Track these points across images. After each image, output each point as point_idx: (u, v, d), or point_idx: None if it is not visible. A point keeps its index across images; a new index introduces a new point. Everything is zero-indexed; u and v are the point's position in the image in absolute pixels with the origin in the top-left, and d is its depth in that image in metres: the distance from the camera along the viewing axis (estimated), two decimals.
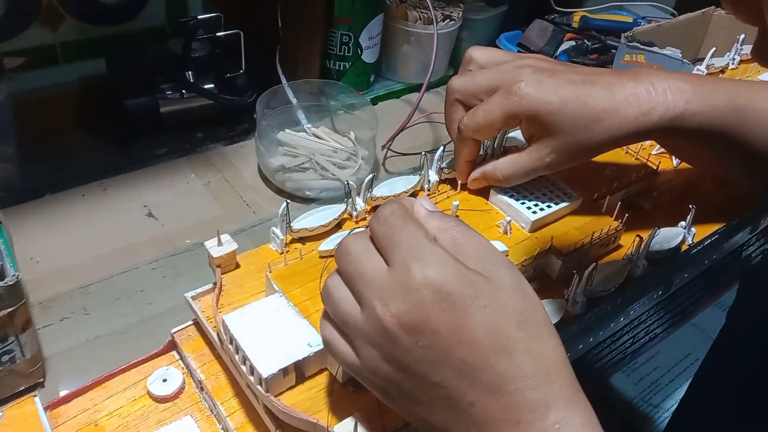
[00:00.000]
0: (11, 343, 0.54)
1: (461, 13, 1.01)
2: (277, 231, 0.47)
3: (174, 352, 0.47)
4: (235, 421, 0.41)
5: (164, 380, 0.44)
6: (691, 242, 0.53)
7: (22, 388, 0.57)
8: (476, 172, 0.54)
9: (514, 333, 0.32)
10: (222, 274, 0.45)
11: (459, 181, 0.55)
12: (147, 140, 0.86)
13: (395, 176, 0.54)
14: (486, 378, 0.31)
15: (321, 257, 0.46)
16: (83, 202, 0.77)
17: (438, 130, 0.96)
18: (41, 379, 0.58)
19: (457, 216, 0.49)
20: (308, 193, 0.81)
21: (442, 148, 0.54)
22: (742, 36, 0.80)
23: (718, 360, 0.52)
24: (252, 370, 0.38)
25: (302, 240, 0.48)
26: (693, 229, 0.52)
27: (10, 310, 0.52)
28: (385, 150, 0.88)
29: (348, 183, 0.49)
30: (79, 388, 0.44)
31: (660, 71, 0.49)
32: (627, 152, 0.58)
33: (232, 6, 0.90)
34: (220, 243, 0.44)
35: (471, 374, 0.31)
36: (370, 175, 0.50)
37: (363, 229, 0.39)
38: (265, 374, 0.37)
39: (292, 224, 0.47)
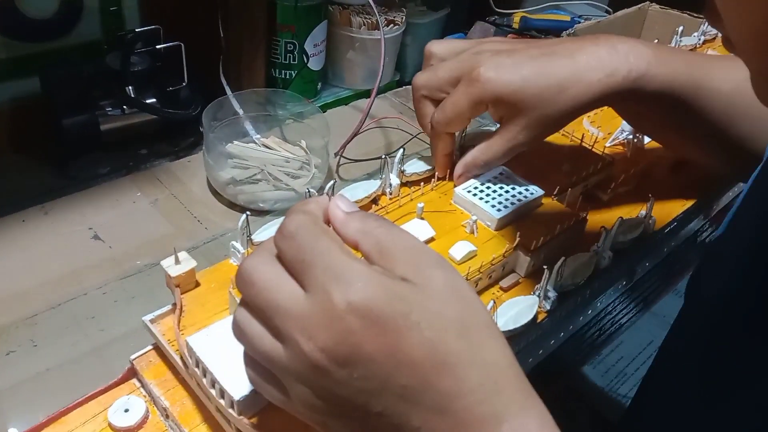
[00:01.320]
0: None
1: (404, 17, 1.01)
2: (237, 245, 0.45)
3: (134, 380, 0.44)
4: None
5: (126, 410, 0.41)
6: (651, 231, 0.53)
7: None
8: (459, 168, 0.54)
9: (454, 345, 0.29)
10: (182, 293, 0.43)
11: (437, 175, 0.55)
12: (87, 159, 0.83)
13: (353, 182, 0.53)
14: (430, 399, 0.29)
15: None
16: (23, 227, 0.73)
17: (389, 135, 0.95)
18: None
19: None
20: (262, 205, 0.79)
21: (402, 150, 0.54)
22: (681, 28, 0.82)
23: (680, 335, 0.53)
24: (222, 393, 0.36)
25: None
26: (653, 217, 0.52)
27: None
28: (338, 157, 0.87)
29: (309, 190, 0.48)
30: (35, 425, 0.41)
31: (618, 36, 0.50)
32: (582, 144, 0.58)
33: (171, 18, 0.87)
34: (177, 261, 0.42)
35: (413, 398, 0.29)
36: (331, 182, 0.49)
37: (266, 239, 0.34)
38: (236, 396, 0.35)
39: (252, 237, 0.45)
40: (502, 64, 0.48)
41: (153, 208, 0.78)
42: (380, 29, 0.86)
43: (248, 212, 0.44)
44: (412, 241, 0.32)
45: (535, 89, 0.47)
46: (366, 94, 1.04)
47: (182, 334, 0.40)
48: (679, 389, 0.49)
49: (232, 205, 0.80)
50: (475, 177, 0.53)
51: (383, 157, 0.52)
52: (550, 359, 0.50)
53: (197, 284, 0.44)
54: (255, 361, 0.32)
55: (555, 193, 0.52)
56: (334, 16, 0.96)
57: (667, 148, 0.60)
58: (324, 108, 0.98)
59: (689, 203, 0.57)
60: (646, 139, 0.62)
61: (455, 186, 0.53)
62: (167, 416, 0.42)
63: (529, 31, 1.12)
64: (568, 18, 1.15)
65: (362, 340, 0.28)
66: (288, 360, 0.29)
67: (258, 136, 0.85)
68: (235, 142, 0.83)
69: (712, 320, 0.45)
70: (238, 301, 0.41)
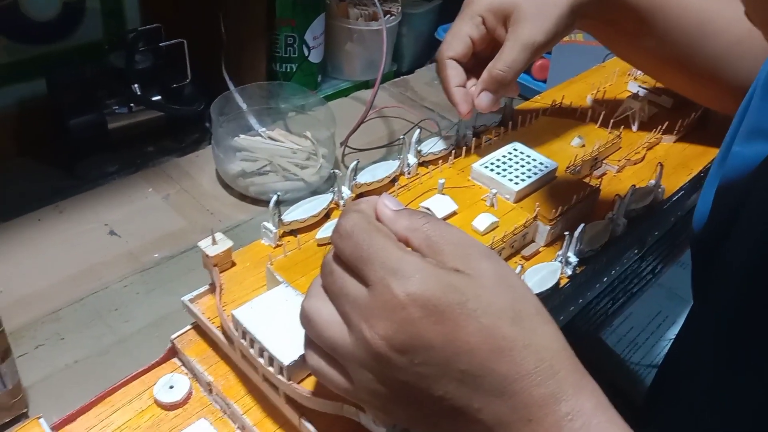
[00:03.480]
0: None
1: (400, 8, 1.02)
2: (269, 225, 0.47)
3: (175, 359, 0.46)
4: (253, 418, 0.41)
5: (170, 387, 0.43)
6: (661, 199, 0.55)
7: (6, 420, 0.54)
8: (479, 85, 0.53)
9: (509, 331, 0.30)
10: (219, 272, 0.44)
11: (460, 113, 0.54)
12: (96, 158, 0.83)
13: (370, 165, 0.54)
14: (489, 383, 0.30)
15: (319, 245, 0.46)
16: (40, 226, 0.74)
17: (391, 124, 0.97)
18: (25, 410, 0.55)
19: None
20: (272, 195, 0.80)
21: (418, 131, 0.55)
22: None
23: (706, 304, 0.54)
24: (271, 360, 0.38)
25: (294, 232, 0.48)
26: (662, 186, 0.55)
27: None
28: (343, 147, 0.89)
29: (334, 171, 0.50)
30: (83, 405, 0.42)
31: None
32: (590, 122, 0.61)
33: (171, 16, 0.88)
34: (214, 242, 0.43)
35: (473, 382, 0.30)
36: (355, 162, 0.51)
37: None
38: (285, 362, 0.37)
39: (283, 217, 0.47)
40: None
41: (165, 203, 0.79)
42: (381, 19, 0.88)
43: (278, 193, 0.46)
44: (459, 234, 0.33)
45: None
46: (365, 85, 1.05)
47: (224, 309, 0.41)
48: (705, 356, 0.51)
49: (243, 197, 0.81)
50: (493, 151, 0.53)
51: (401, 138, 0.54)
52: (568, 327, 0.52)
53: (233, 264, 0.45)
54: (320, 350, 0.33)
55: (568, 165, 0.54)
56: (332, 8, 0.97)
57: (642, 70, 0.61)
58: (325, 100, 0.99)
59: (695, 172, 0.60)
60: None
61: (482, 109, 0.53)
62: (210, 391, 0.43)
63: None
64: None
65: (421, 328, 0.29)
66: (353, 346, 0.31)
67: (263, 129, 0.86)
68: (242, 136, 0.84)
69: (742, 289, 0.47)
70: (278, 275, 0.42)
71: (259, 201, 0.80)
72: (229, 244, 0.44)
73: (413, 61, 1.13)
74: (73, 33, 0.84)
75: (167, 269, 0.71)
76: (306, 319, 0.33)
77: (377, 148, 0.91)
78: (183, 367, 0.45)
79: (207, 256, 0.43)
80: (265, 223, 0.47)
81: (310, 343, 0.34)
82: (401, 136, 0.54)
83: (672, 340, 0.59)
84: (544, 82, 0.99)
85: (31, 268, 0.69)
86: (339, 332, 0.31)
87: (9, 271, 0.68)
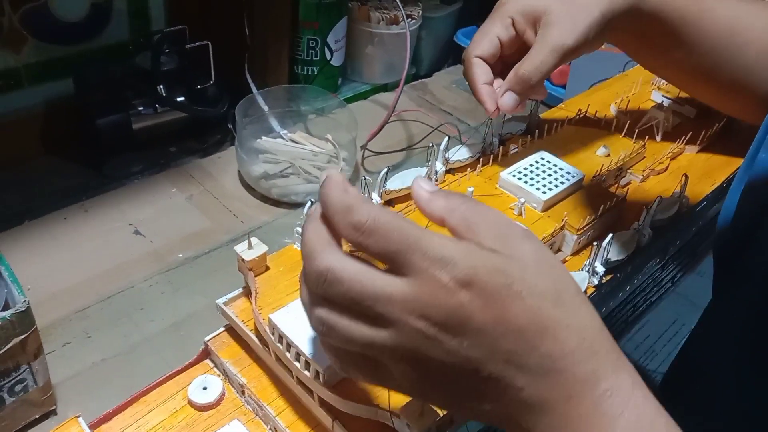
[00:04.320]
0: (24, 371, 0.52)
1: (420, 11, 1.03)
2: (301, 230, 0.47)
3: (208, 360, 0.46)
4: (285, 420, 0.41)
5: (204, 388, 0.44)
6: (685, 209, 0.56)
7: (36, 417, 0.55)
8: (505, 84, 0.53)
9: (553, 312, 0.31)
10: (254, 276, 0.45)
11: (487, 110, 0.53)
12: (120, 158, 0.84)
13: (377, 174, 0.53)
14: (533, 362, 0.31)
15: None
16: (66, 225, 0.75)
17: (410, 127, 0.97)
18: (53, 407, 0.56)
19: (461, 192, 0.49)
20: (294, 197, 0.81)
21: (446, 138, 0.56)
22: None
23: (722, 307, 0.55)
24: (307, 364, 0.38)
25: None
26: (686, 196, 0.55)
27: (22, 337, 0.51)
28: (363, 150, 0.89)
29: (365, 178, 0.50)
30: (119, 404, 0.43)
31: None
32: (615, 131, 0.61)
33: (196, 18, 0.89)
34: (250, 246, 0.44)
35: (518, 361, 0.30)
36: (386, 168, 0.51)
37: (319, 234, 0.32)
38: (322, 367, 0.38)
39: None
40: None
41: (189, 204, 0.80)
42: (405, 22, 0.88)
43: (312, 200, 0.46)
44: (497, 215, 0.33)
45: None
46: (384, 88, 1.06)
47: (260, 313, 0.42)
48: (720, 357, 0.52)
49: (265, 199, 0.82)
50: (520, 160, 0.53)
51: (431, 145, 0.55)
52: None
53: (267, 268, 0.46)
54: (344, 351, 0.33)
55: (594, 175, 0.54)
56: (354, 11, 0.98)
57: (669, 81, 0.62)
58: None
59: (718, 182, 0.60)
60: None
61: (505, 110, 0.52)
62: (243, 392, 0.44)
63: None
64: None
65: (471, 312, 0.30)
66: (393, 341, 0.31)
67: (285, 131, 0.87)
68: (264, 138, 0.85)
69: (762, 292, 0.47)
70: None
71: (281, 203, 0.81)
72: (264, 249, 0.44)
73: (431, 65, 1.14)
74: (100, 33, 0.85)
75: (191, 269, 0.72)
76: (324, 328, 0.32)
77: (397, 151, 0.92)
78: (215, 369, 0.46)
79: (243, 260, 0.44)
80: (298, 228, 0.48)
81: (331, 349, 0.33)
82: (430, 143, 0.54)
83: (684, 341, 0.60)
84: (564, 87, 1.00)
85: (59, 266, 0.70)
86: (371, 333, 0.31)
87: (37, 268, 0.69)
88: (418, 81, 1.10)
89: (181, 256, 0.73)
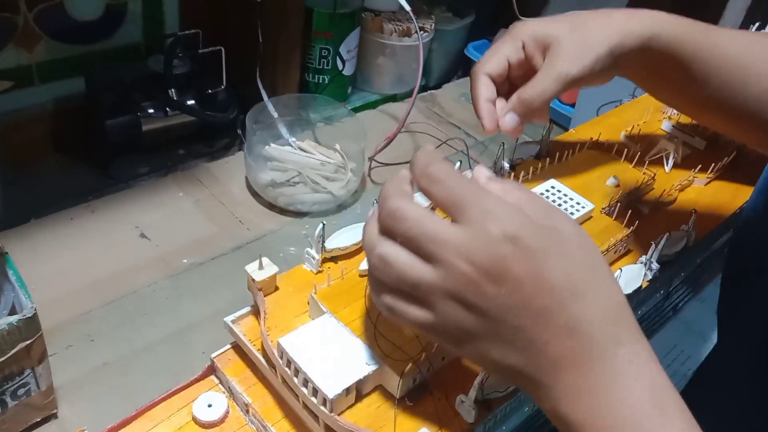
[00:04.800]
0: (27, 375, 0.53)
1: (433, 24, 1.03)
2: (312, 252, 0.48)
3: (212, 377, 0.47)
4: None
5: (209, 405, 0.44)
6: (692, 243, 0.56)
7: (36, 420, 0.55)
8: (507, 105, 0.54)
9: (586, 278, 0.35)
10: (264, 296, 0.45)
11: (484, 128, 0.54)
12: (127, 159, 0.85)
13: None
14: (562, 320, 0.34)
15: (361, 276, 0.47)
16: (72, 225, 0.75)
17: (417, 139, 0.98)
18: (54, 410, 0.56)
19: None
20: (300, 207, 0.81)
21: (459, 162, 0.56)
22: None
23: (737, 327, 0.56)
24: (315, 391, 0.39)
25: (334, 259, 0.49)
26: (693, 231, 0.55)
27: (27, 342, 0.51)
28: (370, 161, 0.90)
29: (376, 201, 0.50)
30: (125, 418, 0.43)
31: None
32: (625, 160, 0.61)
33: (210, 22, 0.89)
34: (261, 267, 0.44)
35: (548, 317, 0.34)
36: (321, 224, 0.50)
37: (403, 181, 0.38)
38: (330, 395, 0.38)
39: (325, 244, 0.48)
40: (538, 18, 0.55)
41: (195, 208, 0.80)
42: (418, 35, 0.89)
43: (323, 222, 0.47)
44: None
45: (567, 23, 0.53)
46: (393, 98, 1.06)
47: (268, 334, 0.42)
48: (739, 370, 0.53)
49: (271, 206, 0.82)
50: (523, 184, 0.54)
51: (458, 162, 0.54)
52: None
53: (276, 288, 0.46)
54: (395, 291, 0.36)
55: (603, 207, 0.55)
56: (367, 22, 0.98)
57: (681, 112, 0.62)
58: (353, 111, 1.00)
59: (726, 215, 0.61)
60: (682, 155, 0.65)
61: (505, 130, 0.53)
62: (248, 411, 0.44)
63: None
64: None
65: (512, 263, 0.34)
66: (440, 280, 0.34)
67: (293, 139, 0.87)
68: (272, 145, 0.85)
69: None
70: (322, 305, 0.44)
71: (287, 211, 0.81)
72: (275, 269, 0.45)
73: (441, 76, 1.15)
74: (114, 35, 0.85)
75: (196, 276, 0.72)
76: (383, 263, 0.36)
77: (404, 163, 0.92)
78: (220, 385, 0.46)
79: (253, 280, 0.44)
80: (309, 249, 0.48)
81: (380, 286, 0.37)
82: (458, 161, 0.54)
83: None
84: (573, 106, 1.00)
85: (64, 267, 0.70)
86: (422, 270, 0.35)
87: (42, 269, 0.69)
88: (427, 92, 1.10)
89: (186, 261, 0.73)
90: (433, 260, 0.35)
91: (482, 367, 0.40)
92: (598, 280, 0.35)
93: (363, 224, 0.51)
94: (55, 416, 0.57)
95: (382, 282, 0.37)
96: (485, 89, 0.55)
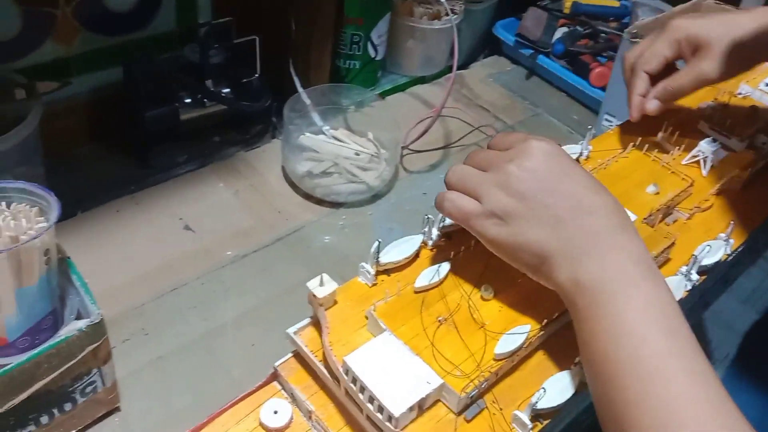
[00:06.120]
0: (94, 374, 0.56)
1: (463, 5, 1.03)
2: (367, 266, 0.50)
3: (275, 383, 0.50)
4: None
5: (275, 412, 0.47)
6: (729, 252, 0.58)
7: (101, 414, 0.59)
8: (651, 93, 0.64)
9: (601, 185, 0.47)
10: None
11: (632, 116, 0.65)
12: (165, 148, 0.86)
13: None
14: (585, 204, 0.45)
15: (416, 293, 0.49)
16: (118, 218, 0.77)
17: (448, 124, 0.98)
18: (117, 404, 0.60)
19: None
20: (335, 197, 0.83)
21: None
22: None
23: None
24: (381, 408, 0.42)
25: (387, 272, 0.51)
26: (731, 239, 0.57)
27: (94, 346, 0.54)
28: (403, 149, 0.91)
29: (428, 216, 0.53)
30: (196, 425, 0.46)
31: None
32: (663, 166, 0.63)
33: (242, 10, 0.89)
34: (321, 283, 0.47)
35: (574, 199, 0.45)
36: (377, 242, 0.52)
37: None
38: (396, 413, 0.41)
39: (380, 258, 0.50)
40: (694, 17, 0.64)
41: (235, 199, 0.82)
42: (450, 17, 0.89)
43: (379, 240, 0.49)
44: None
45: (723, 26, 0.61)
46: (421, 80, 1.07)
47: (332, 350, 0.45)
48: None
49: (308, 197, 0.84)
50: None
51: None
52: None
53: (335, 302, 0.49)
54: (453, 193, 0.49)
55: (645, 217, 0.56)
56: (398, 6, 0.98)
57: None
58: (382, 95, 1.00)
59: (757, 222, 0.62)
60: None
61: (650, 112, 0.64)
62: (310, 418, 0.47)
63: (580, 15, 1.14)
64: (617, 3, 1.17)
65: (545, 161, 0.47)
66: (491, 176, 0.47)
67: (327, 127, 0.88)
68: (307, 134, 0.86)
69: None
70: (381, 323, 0.46)
71: (323, 201, 0.83)
72: (335, 286, 0.47)
73: (468, 56, 1.14)
74: (148, 24, 0.85)
75: (241, 268, 0.74)
76: (455, 178, 0.49)
77: (436, 149, 0.94)
78: (283, 391, 0.49)
79: (315, 296, 0.46)
80: (364, 264, 0.50)
81: (449, 191, 0.49)
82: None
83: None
84: (603, 89, 1.01)
85: (113, 260, 0.72)
86: (478, 174, 0.48)
87: (92, 263, 0.70)
88: (455, 73, 1.10)
89: (230, 253, 0.75)
90: (489, 167, 0.48)
91: (518, 250, 0.47)
92: (614, 198, 0.47)
93: (411, 238, 0.53)
94: (118, 409, 0.60)
95: (446, 193, 0.49)
96: (642, 84, 0.64)
